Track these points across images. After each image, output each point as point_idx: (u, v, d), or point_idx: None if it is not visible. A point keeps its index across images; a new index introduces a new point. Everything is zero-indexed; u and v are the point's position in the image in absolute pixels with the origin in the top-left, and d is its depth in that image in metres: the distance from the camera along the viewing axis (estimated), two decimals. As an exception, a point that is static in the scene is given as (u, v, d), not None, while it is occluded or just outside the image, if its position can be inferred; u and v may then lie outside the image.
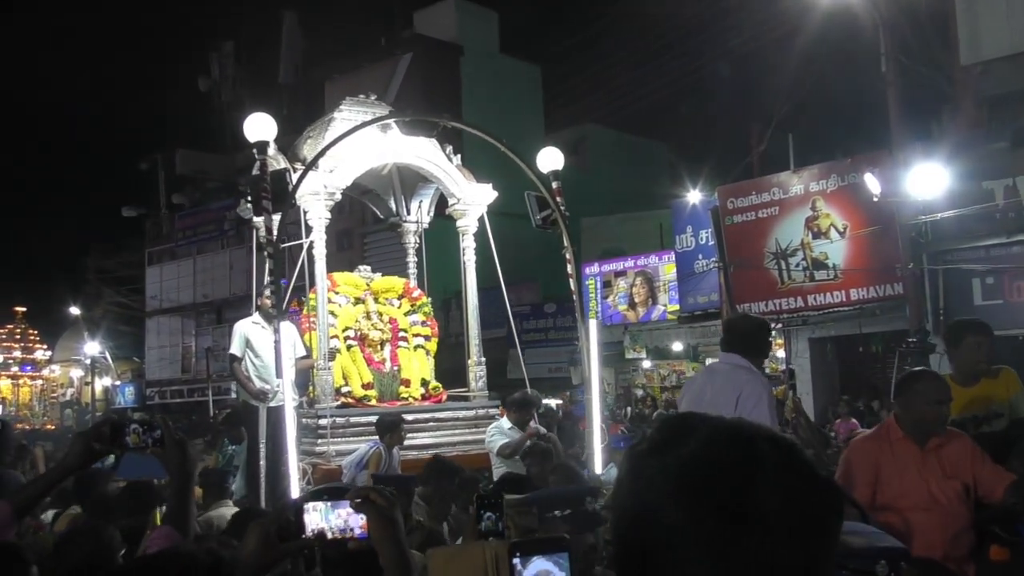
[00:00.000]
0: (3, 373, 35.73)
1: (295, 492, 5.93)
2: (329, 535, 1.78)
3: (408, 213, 9.80)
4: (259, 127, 6.99)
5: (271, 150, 7.23)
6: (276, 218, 6.95)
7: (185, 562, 1.82)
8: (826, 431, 12.19)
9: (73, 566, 3.17)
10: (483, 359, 8.91)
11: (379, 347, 8.69)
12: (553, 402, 15.67)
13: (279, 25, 30.09)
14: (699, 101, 28.00)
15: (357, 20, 28.21)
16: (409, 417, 7.69)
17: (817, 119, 19.45)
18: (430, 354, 9.00)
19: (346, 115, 8.44)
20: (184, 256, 31.38)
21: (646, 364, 22.18)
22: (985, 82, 13.70)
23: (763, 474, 0.91)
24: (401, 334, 8.89)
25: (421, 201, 9.76)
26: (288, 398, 6.51)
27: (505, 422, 7.43)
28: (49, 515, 5.64)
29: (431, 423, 8.30)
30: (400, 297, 9.23)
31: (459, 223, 8.88)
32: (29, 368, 36.53)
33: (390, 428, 7.04)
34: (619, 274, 21.31)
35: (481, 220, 8.80)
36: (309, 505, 1.79)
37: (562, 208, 7.70)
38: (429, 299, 9.44)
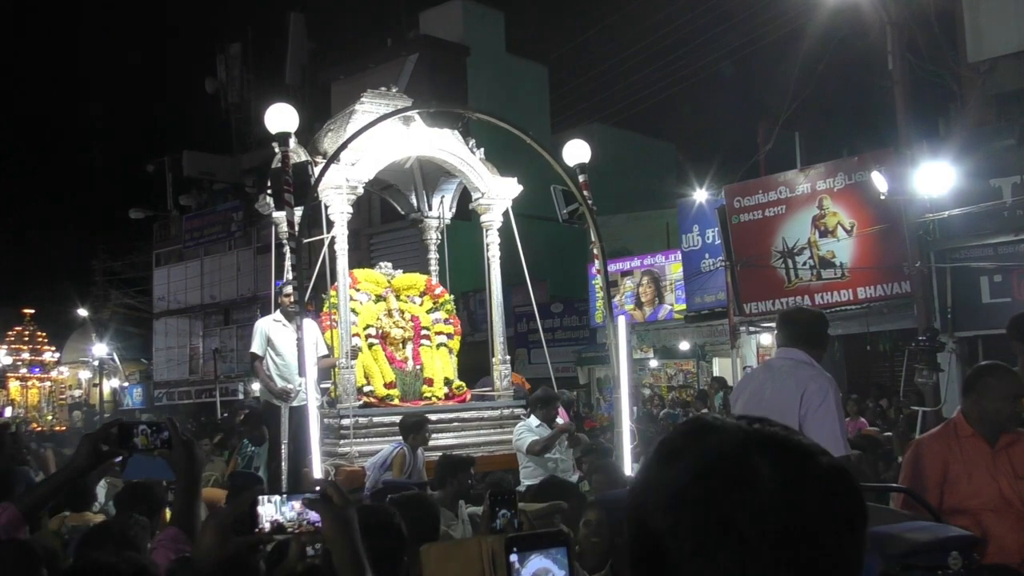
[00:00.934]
0: (12, 375, 35.80)
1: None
2: (288, 527, 1.79)
3: (430, 209, 9.63)
4: (280, 118, 6.75)
5: (291, 143, 7.03)
6: (298, 212, 6.77)
7: (106, 573, 1.82)
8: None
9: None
10: (508, 357, 8.75)
11: (401, 345, 8.51)
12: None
13: (286, 27, 30.11)
14: (705, 100, 27.97)
15: (363, 21, 28.27)
16: (433, 417, 7.52)
17: (824, 117, 19.40)
18: (453, 352, 8.82)
19: (367, 107, 8.27)
20: (191, 257, 31.43)
21: (653, 363, 22.14)
22: (992, 79, 13.67)
23: (748, 489, 0.89)
24: (423, 332, 8.70)
25: (443, 196, 9.59)
26: (312, 397, 6.37)
27: (533, 420, 7.32)
28: None
29: (455, 423, 8.12)
30: (422, 294, 9.04)
31: (483, 218, 8.70)
32: (37, 370, 36.59)
33: (414, 428, 6.88)
34: (625, 273, 21.28)
35: (506, 215, 8.64)
36: (264, 497, 1.80)
37: (589, 202, 7.55)
38: (451, 296, 9.27)
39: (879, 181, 12.67)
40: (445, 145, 8.39)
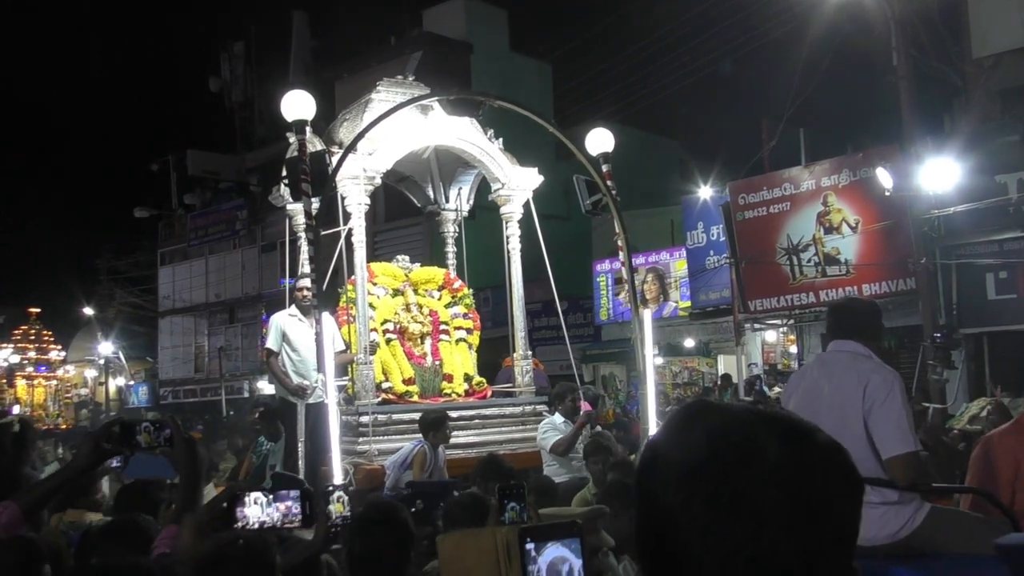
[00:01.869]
0: (18, 373, 35.92)
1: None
2: (267, 525, 1.82)
3: (447, 201, 9.43)
4: (297, 105, 6.49)
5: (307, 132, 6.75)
6: (314, 203, 6.56)
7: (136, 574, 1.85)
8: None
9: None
10: (529, 353, 8.57)
11: (419, 340, 8.32)
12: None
13: (289, 25, 30.14)
14: (709, 97, 27.92)
15: (366, 19, 28.22)
16: (454, 414, 7.32)
17: (828, 114, 19.36)
18: (472, 348, 8.62)
19: (384, 96, 8.09)
20: (196, 256, 31.49)
21: (658, 361, 22.09)
22: (997, 75, 13.65)
23: (759, 464, 0.91)
24: (442, 327, 8.48)
25: (460, 188, 9.39)
26: (331, 394, 6.21)
27: (558, 417, 7.21)
28: None
29: (476, 420, 7.92)
30: (440, 288, 8.82)
31: (503, 210, 8.49)
32: (43, 368, 36.70)
33: (434, 426, 6.72)
34: (630, 271, 21.26)
35: (527, 206, 8.43)
36: (250, 498, 1.83)
37: (613, 192, 7.40)
38: (470, 290, 9.08)
39: (884, 177, 12.65)
40: (464, 134, 8.18)
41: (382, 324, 8.14)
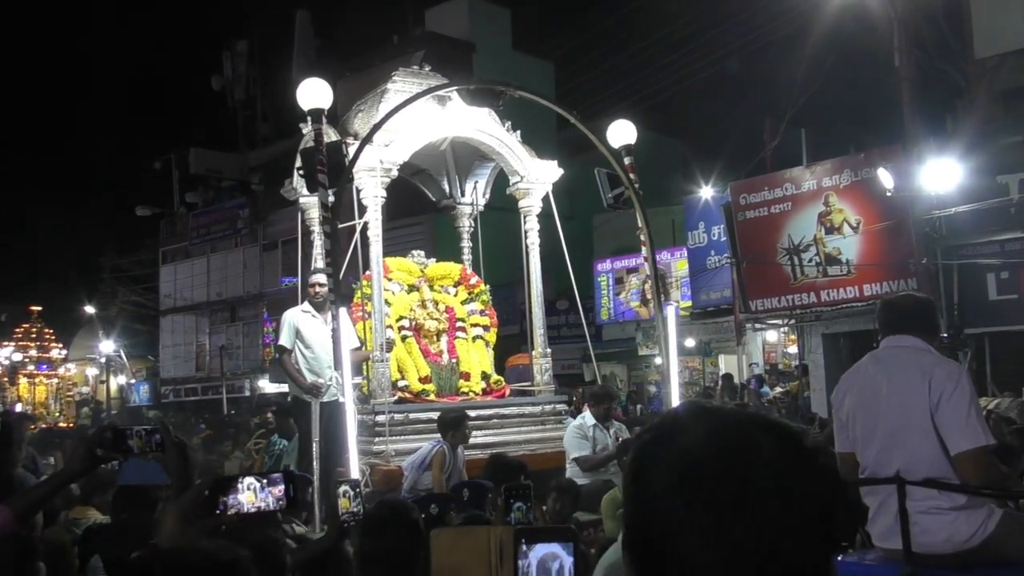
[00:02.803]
0: (19, 372, 35.97)
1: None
2: (263, 510, 1.84)
3: (463, 195, 9.25)
4: (313, 93, 6.25)
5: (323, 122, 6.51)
6: (330, 194, 6.32)
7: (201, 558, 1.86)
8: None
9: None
10: (548, 350, 8.41)
11: (435, 338, 8.10)
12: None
13: (292, 24, 30.15)
14: (712, 97, 27.92)
15: (369, 18, 28.26)
16: (472, 413, 7.09)
17: (830, 114, 19.35)
18: (489, 345, 8.42)
19: (399, 86, 7.93)
20: (198, 255, 31.51)
21: (659, 360, 22.12)
22: (1000, 76, 13.65)
23: (759, 464, 0.92)
24: (459, 324, 8.27)
25: (476, 182, 9.21)
26: (348, 392, 6.06)
27: (589, 417, 6.99)
28: None
29: (494, 420, 7.70)
30: (456, 284, 8.61)
31: (521, 203, 8.31)
32: (45, 367, 36.74)
33: (453, 425, 6.51)
34: (631, 271, 21.30)
35: (546, 200, 8.25)
36: (243, 484, 1.86)
37: (636, 185, 7.27)
38: (487, 286, 8.87)
39: (885, 178, 12.65)
40: (482, 126, 8.02)
41: (397, 321, 7.93)
